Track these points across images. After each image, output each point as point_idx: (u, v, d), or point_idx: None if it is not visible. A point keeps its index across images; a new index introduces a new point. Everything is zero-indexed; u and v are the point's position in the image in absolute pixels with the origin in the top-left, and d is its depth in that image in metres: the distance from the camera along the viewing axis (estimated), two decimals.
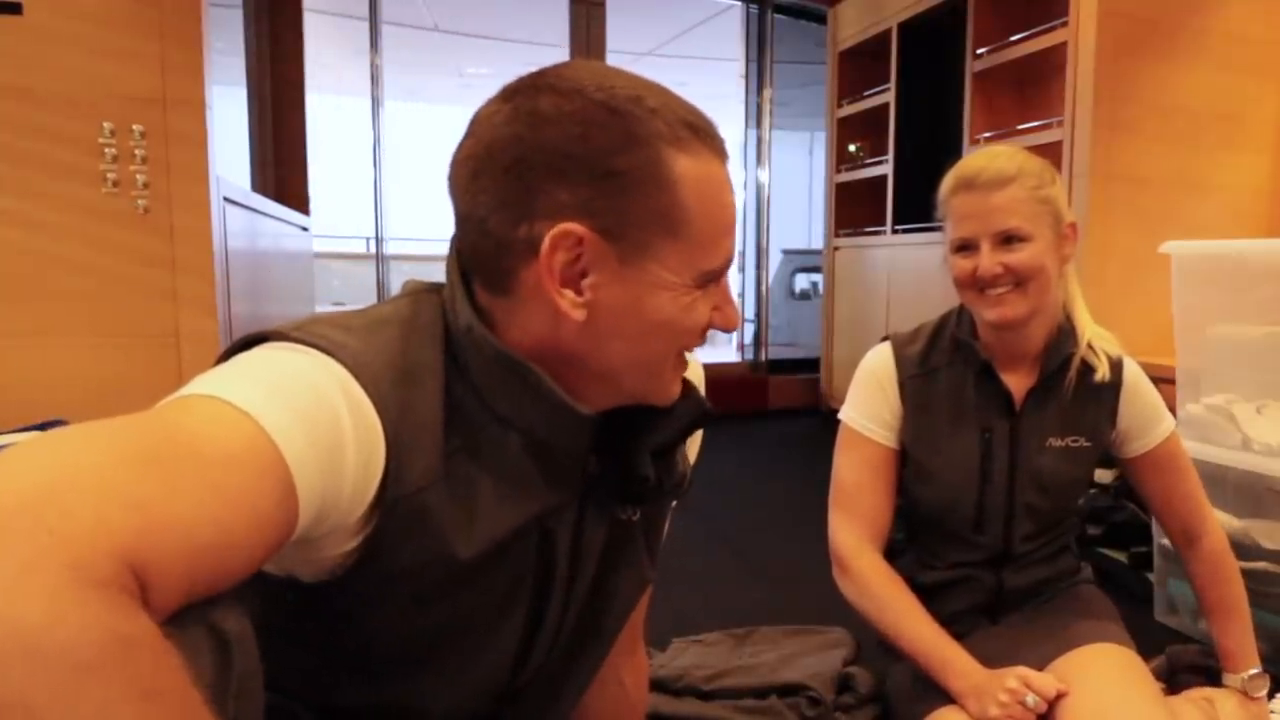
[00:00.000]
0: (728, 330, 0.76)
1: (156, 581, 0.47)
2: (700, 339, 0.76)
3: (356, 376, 0.63)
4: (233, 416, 0.55)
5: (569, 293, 0.68)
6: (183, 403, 0.56)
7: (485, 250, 0.70)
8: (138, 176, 2.27)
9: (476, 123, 0.71)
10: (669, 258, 0.69)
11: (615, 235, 0.67)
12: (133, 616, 0.44)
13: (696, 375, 0.90)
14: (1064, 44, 2.91)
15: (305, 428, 0.58)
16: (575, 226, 0.66)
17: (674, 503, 0.92)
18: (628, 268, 0.68)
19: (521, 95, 0.69)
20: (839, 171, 4.38)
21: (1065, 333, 1.29)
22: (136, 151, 2.27)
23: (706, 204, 0.70)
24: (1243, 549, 1.71)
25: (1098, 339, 1.30)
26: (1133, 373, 1.33)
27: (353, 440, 0.61)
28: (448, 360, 0.71)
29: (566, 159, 0.66)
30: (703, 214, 0.69)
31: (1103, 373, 1.28)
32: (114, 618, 0.43)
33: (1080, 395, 1.29)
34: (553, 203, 0.67)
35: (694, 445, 0.94)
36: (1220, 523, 1.71)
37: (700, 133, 0.70)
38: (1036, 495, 1.29)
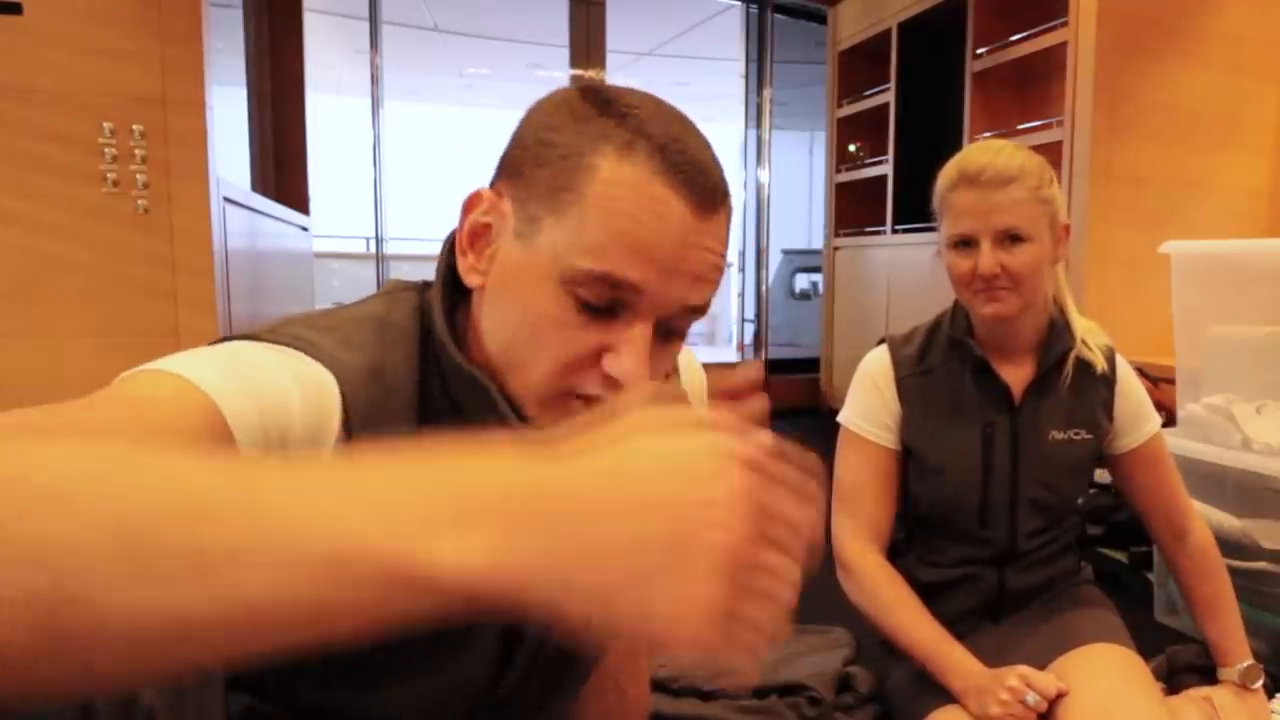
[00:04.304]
0: (618, 381, 0.65)
1: None
2: (578, 374, 0.66)
3: (323, 366, 0.63)
4: (166, 378, 0.54)
5: (470, 255, 0.69)
6: (126, 377, 0.56)
7: None
8: (138, 176, 2.27)
9: None
10: (547, 239, 0.64)
11: (519, 204, 0.66)
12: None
13: (697, 382, 0.89)
14: (1064, 44, 2.91)
15: (242, 386, 0.56)
16: (486, 191, 0.68)
17: None
18: (519, 239, 0.66)
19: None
20: (839, 171, 4.38)
21: (1060, 326, 1.30)
22: (136, 151, 2.27)
23: (610, 203, 0.63)
24: (1243, 549, 1.71)
25: (1088, 333, 1.32)
26: (1124, 367, 1.35)
27: (300, 413, 0.60)
28: (424, 362, 0.70)
29: (528, 125, 0.69)
30: (599, 209, 0.63)
31: (1101, 366, 1.30)
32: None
33: (1077, 388, 1.30)
34: (503, 167, 0.69)
35: None
36: (1220, 522, 1.72)
37: (665, 155, 0.63)
38: (1040, 489, 1.29)
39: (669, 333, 0.68)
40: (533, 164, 0.66)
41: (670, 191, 0.63)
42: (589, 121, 0.65)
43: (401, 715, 0.77)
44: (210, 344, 0.65)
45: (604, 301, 0.64)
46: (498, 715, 0.83)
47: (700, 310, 0.68)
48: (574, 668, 0.88)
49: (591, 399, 0.67)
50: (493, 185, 0.70)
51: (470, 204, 0.69)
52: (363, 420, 0.64)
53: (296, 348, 0.63)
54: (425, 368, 0.70)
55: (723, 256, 0.68)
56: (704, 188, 0.65)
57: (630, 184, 0.63)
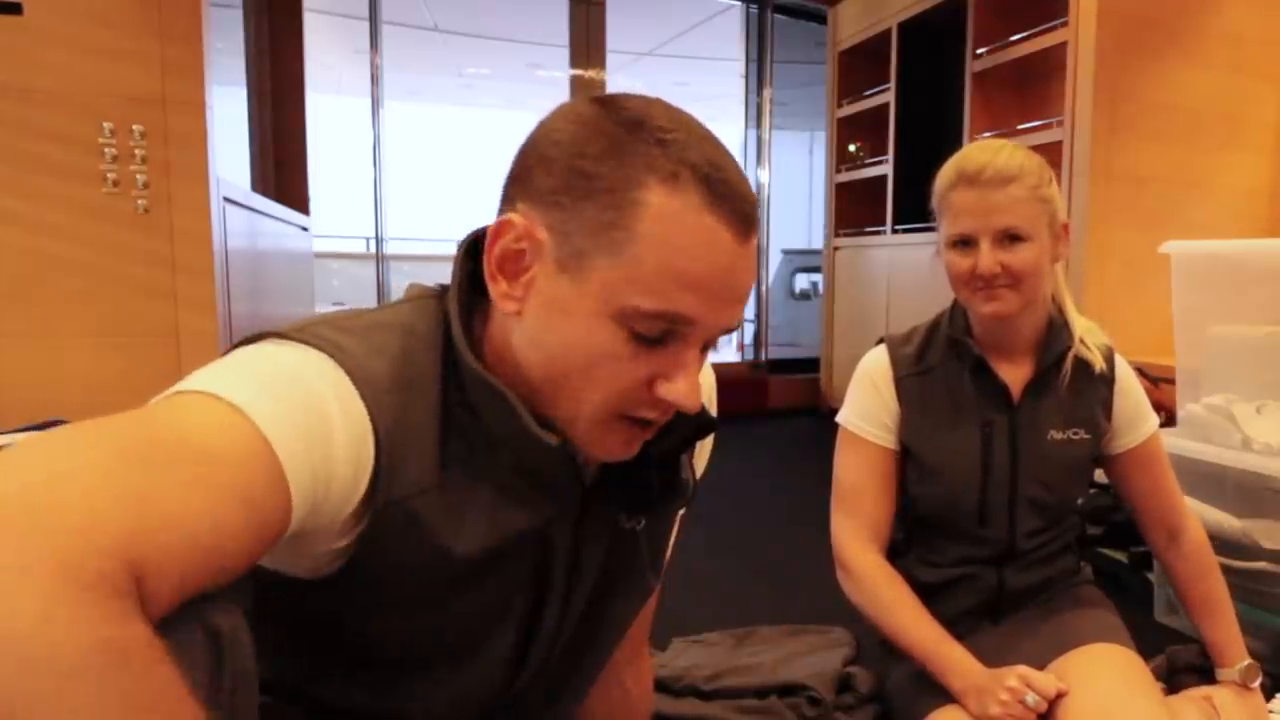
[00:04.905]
0: (680, 407, 0.68)
1: (153, 578, 0.47)
2: (631, 400, 0.68)
3: (351, 377, 0.64)
4: (222, 410, 0.56)
5: (503, 281, 0.69)
6: (173, 399, 0.57)
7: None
8: (138, 176, 2.27)
9: None
10: (599, 276, 0.64)
11: (561, 235, 0.65)
12: (125, 621, 0.44)
13: (707, 385, 0.89)
14: (1064, 44, 2.91)
15: (292, 418, 0.58)
16: (518, 218, 0.67)
17: (681, 511, 0.92)
18: (562, 273, 0.66)
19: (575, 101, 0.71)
20: (839, 171, 4.38)
21: (1058, 326, 1.30)
22: (136, 151, 2.27)
23: (664, 241, 0.63)
24: (1243, 549, 1.71)
25: (1087, 333, 1.32)
26: (1122, 366, 1.35)
27: (341, 431, 0.62)
28: (446, 371, 0.70)
29: (556, 147, 0.67)
30: (653, 248, 0.63)
31: (1099, 365, 1.30)
32: (105, 623, 0.42)
33: (1076, 388, 1.30)
34: (528, 189, 0.67)
35: (703, 455, 0.93)
36: (1220, 522, 1.72)
37: (710, 185, 0.64)
38: (1039, 488, 1.29)
39: (704, 347, 0.71)
40: (571, 195, 0.65)
41: (718, 222, 0.65)
42: (627, 149, 0.64)
43: (417, 713, 0.78)
44: (246, 340, 0.66)
45: (658, 335, 0.66)
46: (508, 714, 0.83)
47: (734, 328, 0.71)
48: (584, 668, 0.89)
49: (642, 419, 0.69)
50: (512, 205, 0.68)
51: (500, 230, 0.68)
52: (389, 432, 0.65)
53: (325, 351, 0.64)
54: (446, 375, 0.70)
55: (756, 273, 0.71)
56: (744, 214, 0.66)
57: (681, 219, 0.64)
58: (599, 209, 0.64)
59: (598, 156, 0.65)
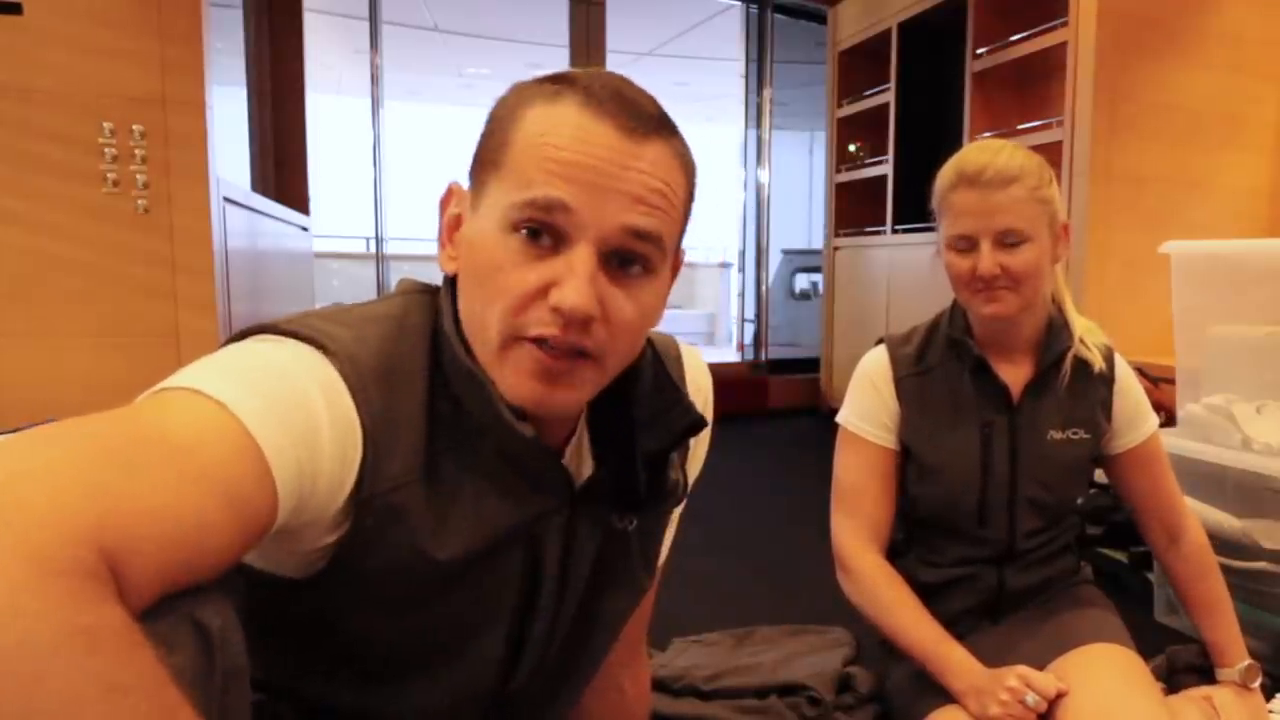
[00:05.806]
0: (559, 309, 0.64)
1: (129, 567, 0.46)
2: (527, 313, 0.66)
3: (339, 369, 0.64)
4: (207, 408, 0.56)
5: (448, 245, 0.73)
6: (159, 397, 0.57)
7: None
8: (138, 176, 2.27)
9: None
10: (491, 197, 0.68)
11: (476, 183, 0.70)
12: (98, 606, 0.43)
13: (704, 385, 0.89)
14: (1064, 44, 2.91)
15: (278, 414, 0.58)
16: (455, 184, 0.73)
17: (676, 511, 0.92)
18: (473, 212, 0.70)
19: None
20: (839, 171, 4.38)
21: (1058, 326, 1.30)
22: (136, 151, 2.27)
23: (534, 142, 0.66)
24: (1243, 549, 1.71)
25: (1087, 332, 1.32)
26: (1122, 366, 1.35)
27: (328, 427, 0.61)
28: (433, 362, 0.70)
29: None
30: (525, 149, 0.66)
31: (1099, 364, 1.30)
32: (75, 608, 0.42)
33: (1076, 388, 1.30)
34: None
35: (697, 458, 0.93)
36: (1220, 522, 1.72)
37: (590, 94, 0.66)
38: (1039, 489, 1.29)
39: (624, 262, 0.68)
40: (480, 142, 0.71)
41: (593, 119, 0.66)
42: (526, 89, 0.69)
43: (410, 713, 0.78)
44: (239, 335, 0.66)
45: (538, 225, 0.65)
46: (504, 715, 0.83)
47: (648, 236, 0.67)
48: (579, 667, 0.88)
49: (541, 343, 0.66)
50: None
51: (444, 201, 0.74)
52: (375, 425, 0.65)
53: (314, 342, 0.64)
54: (434, 367, 0.70)
55: (669, 186, 0.69)
56: (631, 114, 0.67)
57: (554, 121, 0.66)
58: (492, 142, 0.69)
59: (501, 103, 0.70)
